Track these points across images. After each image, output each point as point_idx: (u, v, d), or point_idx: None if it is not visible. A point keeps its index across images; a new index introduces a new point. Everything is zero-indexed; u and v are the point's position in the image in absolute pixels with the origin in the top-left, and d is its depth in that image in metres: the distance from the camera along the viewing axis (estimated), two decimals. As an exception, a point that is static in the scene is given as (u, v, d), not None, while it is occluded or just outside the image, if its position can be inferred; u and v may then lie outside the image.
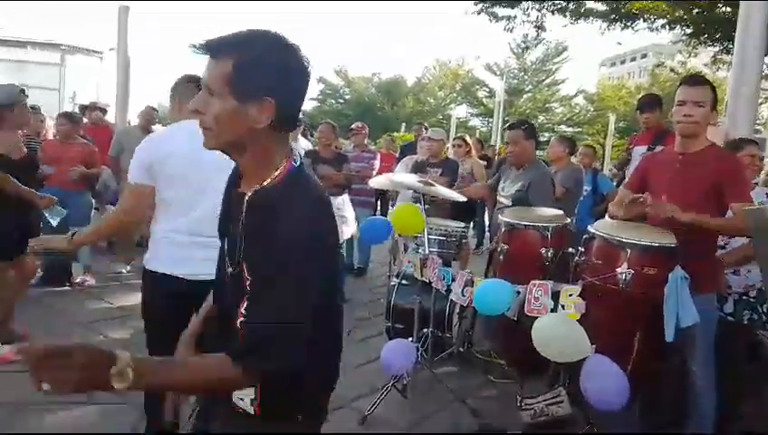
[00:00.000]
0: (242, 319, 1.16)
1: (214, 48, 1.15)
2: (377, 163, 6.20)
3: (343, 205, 5.22)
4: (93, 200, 5.45)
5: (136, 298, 4.89)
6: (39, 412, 3.02)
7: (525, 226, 3.11)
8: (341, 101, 35.31)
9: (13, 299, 3.85)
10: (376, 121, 25.91)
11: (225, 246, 1.34)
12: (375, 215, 6.69)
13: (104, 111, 7.19)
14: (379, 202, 7.73)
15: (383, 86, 34.80)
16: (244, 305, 1.16)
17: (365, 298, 5.48)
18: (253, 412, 1.29)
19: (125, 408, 3.03)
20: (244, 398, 1.29)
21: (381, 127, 23.64)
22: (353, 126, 6.61)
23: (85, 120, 6.54)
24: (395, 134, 11.57)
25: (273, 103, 1.14)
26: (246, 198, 1.22)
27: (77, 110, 8.02)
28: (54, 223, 3.82)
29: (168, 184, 2.23)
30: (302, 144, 6.74)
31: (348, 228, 5.26)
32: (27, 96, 3.72)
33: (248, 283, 1.17)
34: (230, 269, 1.28)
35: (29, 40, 35.00)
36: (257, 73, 1.13)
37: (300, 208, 1.17)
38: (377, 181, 4.21)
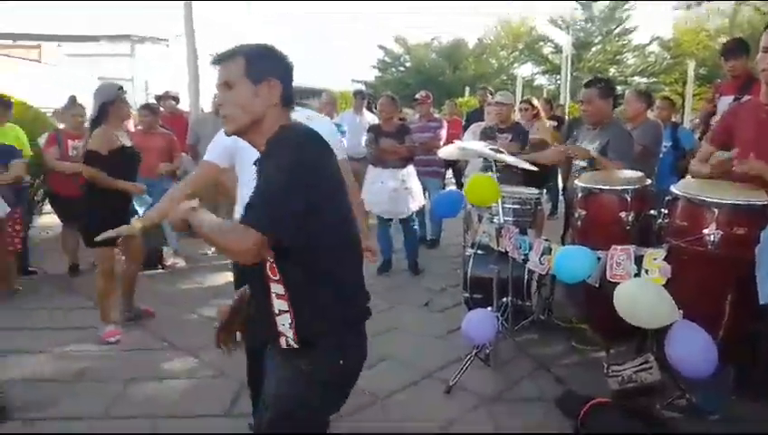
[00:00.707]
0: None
1: (227, 56, 1.53)
2: (443, 132, 6.14)
3: (408, 177, 5.24)
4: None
5: (222, 277, 5.23)
6: (148, 384, 3.29)
7: (603, 189, 3.02)
8: (402, 69, 34.90)
9: (132, 279, 4.20)
10: (438, 87, 25.50)
11: None
12: (445, 185, 6.66)
13: (177, 99, 7.48)
14: (451, 171, 7.68)
15: (443, 51, 34.02)
16: None
17: (440, 269, 5.52)
18: (294, 342, 1.56)
19: (225, 381, 3.26)
20: (285, 323, 1.56)
21: (444, 93, 23.23)
22: (417, 96, 6.56)
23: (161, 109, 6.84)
24: (459, 100, 11.35)
25: (279, 83, 1.53)
26: (257, 162, 1.58)
27: (151, 99, 8.40)
28: (141, 211, 4.07)
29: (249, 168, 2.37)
30: (368, 118, 6.78)
31: (415, 200, 5.29)
32: (126, 92, 3.96)
33: None
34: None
35: (101, 33, 36.73)
36: (263, 60, 1.54)
37: (289, 139, 1.51)
38: (446, 151, 4.20)
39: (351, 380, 1.66)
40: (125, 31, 36.23)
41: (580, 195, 3.11)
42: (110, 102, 3.77)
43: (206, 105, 7.54)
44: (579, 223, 3.08)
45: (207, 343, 3.69)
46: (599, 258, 2.68)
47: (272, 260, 1.53)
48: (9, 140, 5.00)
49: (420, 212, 5.80)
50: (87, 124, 4.72)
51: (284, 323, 1.56)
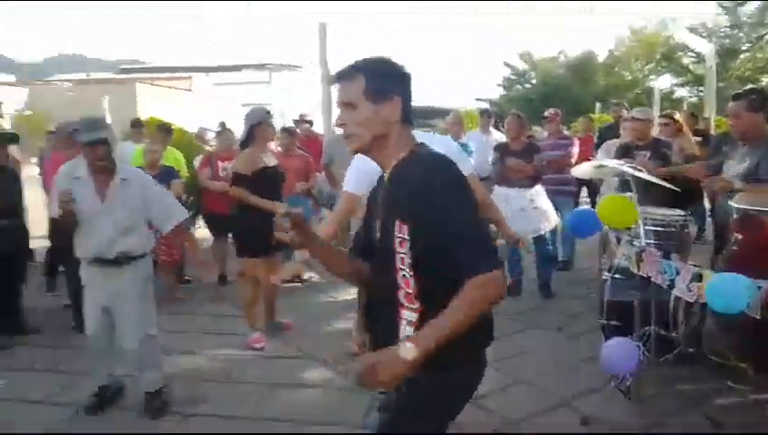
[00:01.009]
0: (452, 248, 1.40)
1: (346, 74, 1.53)
2: (574, 150, 5.93)
3: (536, 196, 5.11)
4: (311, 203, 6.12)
5: (354, 292, 5.43)
6: (288, 390, 3.50)
7: (762, 211, 2.75)
8: (528, 85, 34.19)
9: (273, 293, 4.47)
10: (565, 103, 24.64)
11: (373, 224, 1.64)
12: (578, 204, 6.40)
13: (311, 122, 7.96)
14: (585, 189, 7.37)
15: (571, 64, 32.89)
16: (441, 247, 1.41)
17: (573, 293, 5.31)
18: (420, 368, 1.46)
19: (358, 392, 3.37)
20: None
21: (571, 108, 22.41)
22: (546, 113, 6.41)
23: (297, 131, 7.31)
24: (591, 115, 10.85)
25: (400, 100, 1.52)
26: (386, 177, 1.57)
27: (287, 123, 8.98)
28: None
29: None
30: (495, 136, 6.73)
31: (546, 220, 5.14)
32: (272, 116, 4.29)
33: (399, 239, 1.47)
34: (378, 236, 1.58)
35: (243, 63, 40.12)
36: (383, 78, 1.52)
37: (435, 158, 1.50)
38: (579, 170, 4.05)
39: (467, 399, 1.65)
40: (264, 60, 39.25)
41: (735, 217, 2.86)
42: (257, 125, 4.10)
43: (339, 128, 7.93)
44: (734, 248, 2.83)
45: (345, 353, 3.91)
46: (759, 287, 2.44)
47: (410, 290, 1.50)
48: (169, 162, 5.63)
49: (552, 232, 5.62)
50: (235, 147, 5.19)
51: None
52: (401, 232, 1.47)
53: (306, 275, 5.90)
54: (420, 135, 2.05)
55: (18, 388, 3.54)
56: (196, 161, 6.11)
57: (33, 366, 3.86)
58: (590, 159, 4.70)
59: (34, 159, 8.75)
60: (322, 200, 6.84)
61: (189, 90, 31.97)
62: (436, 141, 2.56)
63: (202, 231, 7.00)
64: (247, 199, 4.09)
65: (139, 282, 3.16)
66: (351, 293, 5.34)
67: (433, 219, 1.41)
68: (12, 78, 41.07)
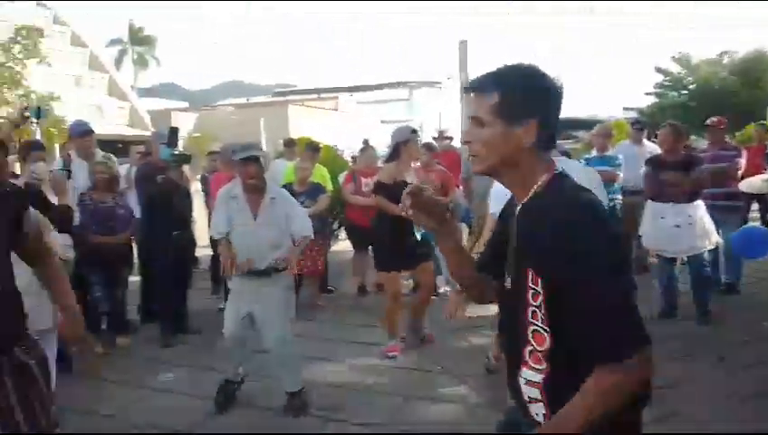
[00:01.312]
0: (584, 320, 1.18)
1: (479, 86, 1.33)
2: (742, 161, 5.31)
3: (695, 212, 4.63)
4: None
5: (492, 309, 5.34)
6: (423, 403, 3.53)
7: None
8: (684, 91, 31.36)
9: (422, 305, 4.54)
10: (729, 110, 22.23)
11: (501, 250, 1.44)
12: (747, 221, 5.73)
13: (450, 138, 8.02)
14: (756, 205, 6.57)
15: (737, 66, 29.58)
16: (570, 309, 1.20)
17: (738, 319, 4.73)
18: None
19: (492, 411, 3.30)
20: (538, 413, 1.33)
21: (738, 115, 20.13)
22: (709, 121, 5.82)
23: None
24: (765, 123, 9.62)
25: (536, 124, 1.29)
26: (517, 211, 1.35)
27: (425, 140, 9.13)
28: (418, 236, 4.43)
29: None
30: (649, 148, 6.25)
31: (705, 238, 4.65)
32: (419, 135, 4.42)
33: (532, 291, 1.26)
34: (508, 281, 1.38)
35: (383, 82, 41.69)
36: (522, 98, 1.29)
37: (579, 201, 1.25)
38: (749, 184, 3.63)
39: None
40: (404, 78, 40.36)
41: None
42: (403, 142, 4.23)
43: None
44: None
45: (477, 371, 3.86)
46: None
47: (540, 349, 1.29)
48: (316, 178, 5.99)
49: (713, 251, 5.08)
50: (378, 163, 5.38)
51: (537, 412, 1.34)
52: (534, 283, 1.26)
53: (442, 289, 5.91)
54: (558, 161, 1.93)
55: (179, 383, 3.95)
56: (341, 177, 6.44)
57: (192, 363, 4.29)
58: (762, 172, 4.18)
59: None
60: (460, 216, 6.84)
61: (335, 109, 33.83)
62: (575, 170, 2.44)
63: (344, 243, 7.34)
64: (386, 207, 4.24)
65: (281, 291, 3.45)
66: (490, 309, 5.25)
67: (571, 282, 1.19)
68: (185, 105, 46.53)
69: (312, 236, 3.66)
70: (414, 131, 4.38)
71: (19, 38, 20.64)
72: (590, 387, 1.18)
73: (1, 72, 20.18)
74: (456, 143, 8.08)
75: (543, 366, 1.29)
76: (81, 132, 4.93)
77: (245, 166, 3.34)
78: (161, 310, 4.94)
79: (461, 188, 6.28)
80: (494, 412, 3.28)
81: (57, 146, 8.77)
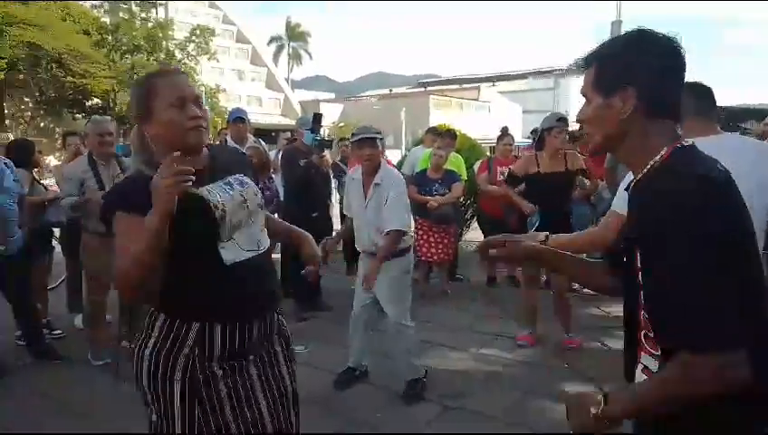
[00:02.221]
0: (666, 302, 1.08)
1: (582, 62, 1.29)
2: None
3: None
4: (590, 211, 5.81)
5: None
6: (544, 400, 3.37)
7: None
8: None
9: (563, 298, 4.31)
10: None
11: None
12: None
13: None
14: None
15: None
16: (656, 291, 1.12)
17: None
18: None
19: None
20: None
21: None
22: None
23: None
24: None
25: (635, 90, 1.18)
26: (630, 190, 1.27)
27: (570, 127, 8.65)
28: (531, 228, 4.25)
29: None
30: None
31: None
32: (564, 122, 4.27)
33: (642, 271, 1.14)
34: (624, 258, 1.26)
35: (529, 70, 40.27)
36: (617, 65, 1.21)
37: (688, 176, 1.10)
38: None
39: None
40: (550, 65, 38.72)
41: None
42: (547, 130, 4.09)
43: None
44: None
45: (609, 373, 3.60)
46: None
47: (651, 334, 1.18)
48: (451, 166, 5.95)
49: None
50: (514, 152, 5.23)
51: None
52: (638, 260, 1.16)
53: (577, 286, 5.60)
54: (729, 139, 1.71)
55: (311, 355, 4.15)
56: (476, 166, 6.34)
57: (323, 338, 4.50)
58: None
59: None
60: (601, 209, 6.42)
61: (476, 99, 33.45)
62: (739, 146, 2.15)
63: (476, 232, 7.24)
64: (509, 198, 4.16)
65: (396, 274, 3.40)
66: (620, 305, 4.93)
67: (656, 258, 1.09)
68: (332, 95, 48.84)
69: (405, 230, 3.46)
70: (561, 119, 4.19)
71: (193, 37, 23.15)
72: (666, 372, 1.10)
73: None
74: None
75: (658, 352, 1.18)
76: (235, 119, 5.38)
77: (360, 147, 3.39)
78: (297, 287, 5.25)
79: (604, 180, 5.87)
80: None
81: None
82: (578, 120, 1.31)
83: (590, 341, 4.33)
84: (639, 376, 1.25)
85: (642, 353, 1.24)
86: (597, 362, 3.85)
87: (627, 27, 6.31)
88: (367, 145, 3.35)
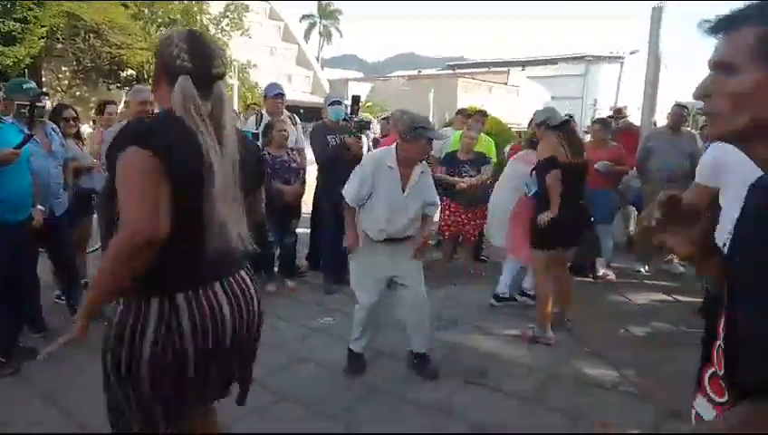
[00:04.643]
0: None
1: (729, 23, 0.97)
2: None
3: None
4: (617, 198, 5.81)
5: (653, 297, 5.02)
6: (568, 384, 3.43)
7: None
8: None
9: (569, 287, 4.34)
10: None
11: None
12: None
13: (627, 115, 7.46)
14: None
15: None
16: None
17: None
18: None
19: (648, 403, 3.12)
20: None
21: None
22: None
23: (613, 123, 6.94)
24: None
25: None
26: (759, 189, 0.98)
27: (598, 115, 8.59)
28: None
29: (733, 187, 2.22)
30: None
31: None
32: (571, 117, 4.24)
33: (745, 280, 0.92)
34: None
35: (560, 56, 39.52)
36: None
37: None
38: None
39: None
40: (581, 52, 37.92)
41: None
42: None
43: (661, 119, 7.28)
44: None
45: (634, 359, 3.66)
46: None
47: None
48: (481, 148, 5.96)
49: None
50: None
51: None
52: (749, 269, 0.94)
53: (601, 272, 5.62)
54: None
55: (336, 326, 4.27)
56: (506, 149, 6.34)
57: (350, 311, 4.59)
58: None
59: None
60: (630, 197, 6.39)
61: (505, 83, 33.02)
62: None
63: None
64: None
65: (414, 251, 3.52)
66: (649, 298, 4.98)
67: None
68: (360, 75, 48.64)
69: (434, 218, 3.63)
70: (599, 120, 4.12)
71: (227, 13, 23.26)
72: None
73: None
74: (635, 121, 7.52)
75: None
76: (274, 94, 5.45)
77: (428, 144, 3.35)
78: (325, 260, 5.37)
79: (635, 169, 5.85)
80: (646, 404, 3.11)
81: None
82: (703, 96, 1.01)
83: (615, 327, 4.36)
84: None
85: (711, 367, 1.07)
86: (621, 349, 3.90)
87: (670, 12, 6.14)
88: (429, 142, 3.36)
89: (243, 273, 1.81)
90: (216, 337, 1.69)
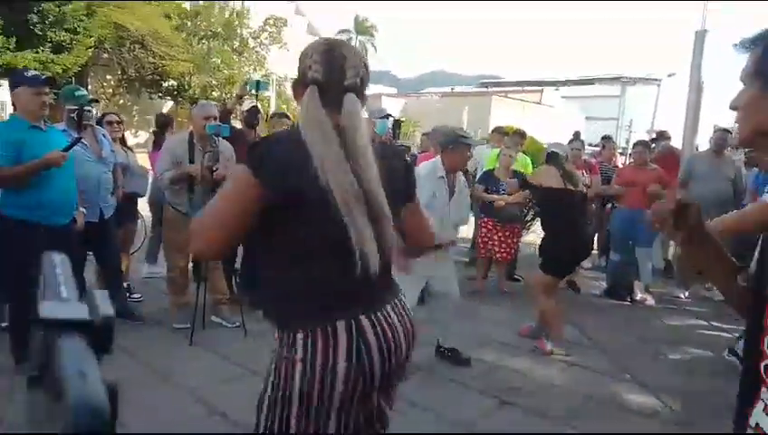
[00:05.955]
0: None
1: (748, 42, 1.09)
2: None
3: None
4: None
5: (692, 322, 4.93)
6: (603, 407, 3.37)
7: None
8: None
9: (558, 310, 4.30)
10: None
11: None
12: None
13: (669, 138, 7.36)
14: None
15: None
16: None
17: None
18: None
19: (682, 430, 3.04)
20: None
21: None
22: None
23: (653, 146, 6.85)
24: None
25: None
26: None
27: (634, 138, 8.49)
28: None
29: None
30: None
31: None
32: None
33: None
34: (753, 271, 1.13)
35: (596, 77, 39.13)
36: None
37: None
38: None
39: None
40: (617, 73, 37.52)
41: None
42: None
43: (703, 143, 7.18)
44: None
45: (673, 386, 3.57)
46: None
47: None
48: (519, 167, 5.95)
49: None
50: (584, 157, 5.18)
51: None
52: None
53: (639, 296, 5.52)
54: None
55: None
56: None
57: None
58: None
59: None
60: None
61: (539, 103, 32.85)
62: None
63: (535, 235, 7.19)
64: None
65: (450, 260, 3.94)
66: (687, 322, 4.87)
67: None
68: (394, 91, 49.05)
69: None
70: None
71: (267, 27, 23.80)
72: None
73: (249, 55, 23.36)
74: (677, 144, 7.42)
75: None
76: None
77: (468, 152, 3.82)
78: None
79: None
80: (687, 431, 3.04)
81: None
82: (731, 108, 1.13)
83: (652, 353, 4.27)
84: (758, 416, 1.04)
85: (763, 389, 1.04)
86: (658, 374, 3.82)
87: (713, 37, 6.09)
88: (469, 148, 3.81)
89: (389, 307, 1.52)
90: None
